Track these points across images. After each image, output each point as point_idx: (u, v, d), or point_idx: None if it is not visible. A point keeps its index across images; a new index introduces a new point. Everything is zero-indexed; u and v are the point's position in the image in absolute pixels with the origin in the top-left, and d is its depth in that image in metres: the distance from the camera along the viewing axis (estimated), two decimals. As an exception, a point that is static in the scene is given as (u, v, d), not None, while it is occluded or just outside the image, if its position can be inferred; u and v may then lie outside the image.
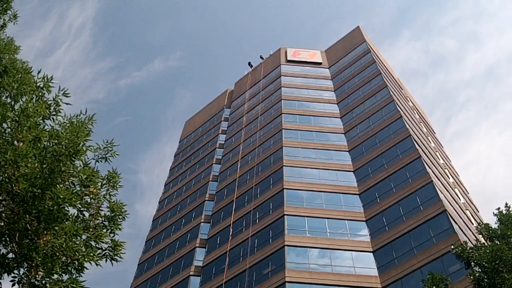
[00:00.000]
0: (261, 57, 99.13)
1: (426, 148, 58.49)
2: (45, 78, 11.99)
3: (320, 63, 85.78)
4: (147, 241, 68.50)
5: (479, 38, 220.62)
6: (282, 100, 74.23)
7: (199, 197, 67.82)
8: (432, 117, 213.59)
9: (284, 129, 66.49)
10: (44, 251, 10.79)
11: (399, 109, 60.63)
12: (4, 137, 11.23)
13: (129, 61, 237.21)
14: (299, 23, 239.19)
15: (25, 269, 11.14)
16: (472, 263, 24.22)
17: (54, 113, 11.97)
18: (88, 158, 11.80)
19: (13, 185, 10.55)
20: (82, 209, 11.81)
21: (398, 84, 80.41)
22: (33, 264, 10.97)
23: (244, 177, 63.89)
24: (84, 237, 11.62)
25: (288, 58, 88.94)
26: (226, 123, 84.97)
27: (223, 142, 78.79)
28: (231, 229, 55.76)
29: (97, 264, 11.62)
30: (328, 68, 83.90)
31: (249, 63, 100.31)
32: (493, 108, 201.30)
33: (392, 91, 66.03)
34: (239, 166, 67.05)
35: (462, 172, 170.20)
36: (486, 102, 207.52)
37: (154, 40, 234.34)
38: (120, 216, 12.25)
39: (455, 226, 42.21)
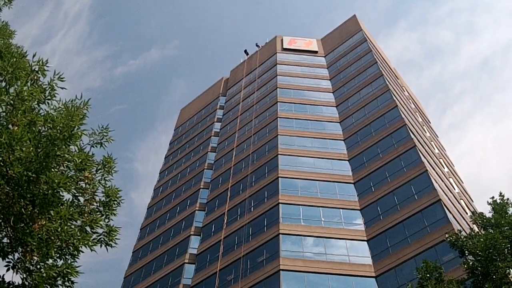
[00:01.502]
0: (257, 45, 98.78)
1: (421, 138, 58.55)
2: (40, 62, 11.89)
3: (316, 52, 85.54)
4: (142, 229, 68.53)
5: (475, 29, 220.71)
6: (278, 89, 74.07)
7: (194, 185, 67.81)
8: (428, 108, 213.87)
9: (280, 117, 66.42)
10: (39, 236, 10.74)
11: (394, 98, 60.59)
12: (-2, 121, 11.15)
13: (125, 50, 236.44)
14: (295, 13, 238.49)
15: (20, 254, 11.10)
16: (466, 252, 24.35)
17: (49, 97, 11.88)
18: (83, 143, 11.75)
19: (8, 169, 10.48)
20: (77, 194, 11.76)
21: (394, 74, 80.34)
22: (28, 249, 10.93)
23: (239, 166, 63.88)
24: (79, 222, 11.58)
25: (284, 47, 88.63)
26: (221, 111, 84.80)
27: (218, 130, 78.68)
28: (225, 217, 55.83)
29: (91, 250, 11.59)
30: (324, 56, 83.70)
31: (245, 51, 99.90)
32: (488, 100, 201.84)
33: (388, 80, 65.97)
34: (234, 154, 67.02)
35: (457, 163, 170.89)
36: (481, 94, 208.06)
37: (151, 29, 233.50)
38: (115, 202, 12.20)
39: (449, 216, 42.34)
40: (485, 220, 25.73)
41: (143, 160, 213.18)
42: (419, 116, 71.86)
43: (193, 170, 72.04)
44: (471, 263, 23.51)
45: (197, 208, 62.13)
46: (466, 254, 24.45)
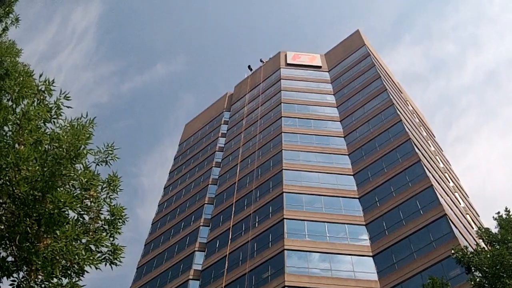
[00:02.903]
0: (261, 61, 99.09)
1: (426, 152, 58.44)
2: (47, 82, 11.95)
3: (320, 67, 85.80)
4: (146, 244, 68.35)
5: (479, 42, 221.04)
6: (282, 104, 74.21)
7: (199, 201, 67.71)
8: (434, 122, 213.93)
9: (284, 132, 66.45)
10: (44, 255, 10.73)
11: (398, 112, 60.61)
12: (5, 140, 11.18)
13: (132, 65, 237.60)
14: (299, 28, 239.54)
15: (25, 272, 11.08)
16: (473, 268, 24.09)
17: (55, 116, 11.91)
18: (88, 162, 11.76)
19: (14, 188, 10.50)
20: (82, 212, 11.75)
21: (398, 88, 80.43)
22: (33, 268, 10.91)
23: (243, 181, 63.81)
24: (84, 240, 11.57)
25: (288, 62, 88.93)
26: (225, 126, 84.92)
27: (223, 145, 78.72)
28: (230, 233, 55.66)
29: (96, 268, 11.56)
30: (328, 71, 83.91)
31: (249, 66, 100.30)
32: (494, 113, 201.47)
33: (391, 95, 66.03)
34: (238, 169, 66.97)
35: (463, 177, 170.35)
36: (486, 107, 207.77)
37: (157, 45, 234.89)
38: (120, 220, 12.17)
39: (455, 231, 42.14)
40: (491, 236, 25.52)
41: (150, 175, 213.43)
42: (423, 130, 71.81)
43: (198, 185, 71.98)
44: (478, 279, 23.28)
45: (201, 224, 61.98)
46: (473, 270, 24.20)
